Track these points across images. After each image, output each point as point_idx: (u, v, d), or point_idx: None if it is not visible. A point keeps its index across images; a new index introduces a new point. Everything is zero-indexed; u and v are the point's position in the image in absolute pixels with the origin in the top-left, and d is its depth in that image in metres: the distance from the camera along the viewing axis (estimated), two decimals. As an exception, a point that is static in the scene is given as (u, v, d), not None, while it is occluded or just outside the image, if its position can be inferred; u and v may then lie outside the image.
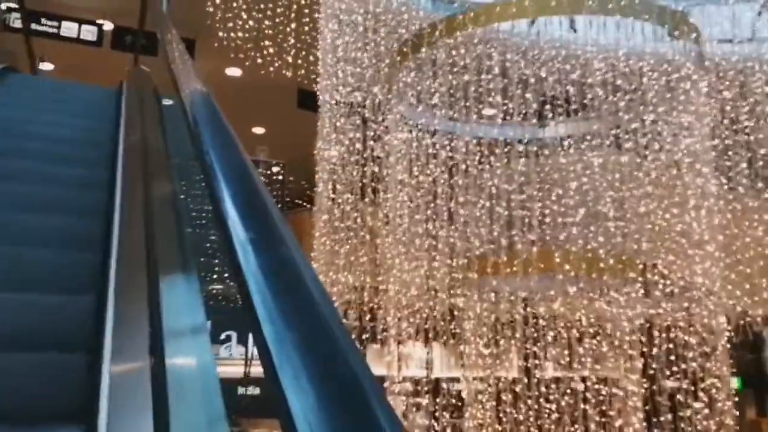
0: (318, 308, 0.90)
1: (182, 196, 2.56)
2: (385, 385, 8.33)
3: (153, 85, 4.96)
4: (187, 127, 1.98)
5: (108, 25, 11.82)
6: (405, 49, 8.17)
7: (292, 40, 10.31)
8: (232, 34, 10.39)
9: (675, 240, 8.03)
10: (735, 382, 7.83)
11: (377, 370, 9.36)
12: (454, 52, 8.04)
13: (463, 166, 8.56)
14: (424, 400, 8.74)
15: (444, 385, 9.42)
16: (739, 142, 9.04)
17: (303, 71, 10.54)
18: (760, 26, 8.98)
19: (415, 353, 10.30)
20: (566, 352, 8.86)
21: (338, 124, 8.77)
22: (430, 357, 8.84)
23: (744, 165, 9.02)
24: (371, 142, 8.93)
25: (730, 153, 9.02)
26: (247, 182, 1.32)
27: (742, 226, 9.24)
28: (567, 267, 7.77)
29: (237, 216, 1.16)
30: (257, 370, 11.24)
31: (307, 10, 10.12)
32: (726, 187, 8.95)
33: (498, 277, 8.39)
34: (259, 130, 16.20)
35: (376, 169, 8.94)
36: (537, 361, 9.12)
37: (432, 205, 8.59)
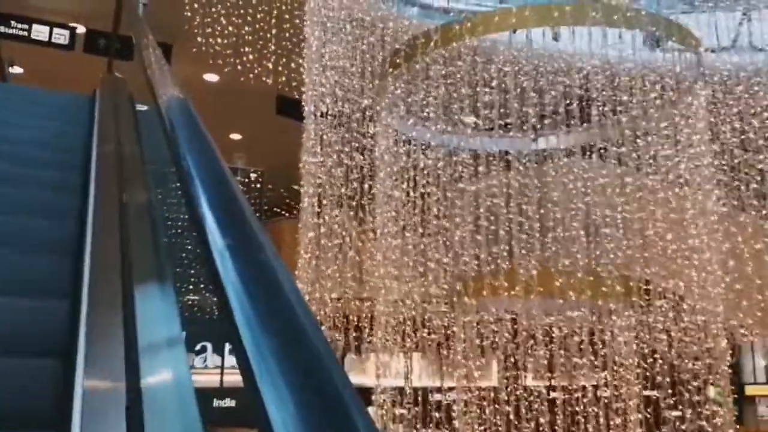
0: (297, 316, 0.91)
1: (158, 205, 2.57)
2: (372, 408, 8.28)
3: (127, 91, 4.98)
4: (164, 133, 2.00)
5: (81, 29, 11.80)
6: (397, 60, 8.14)
7: (273, 47, 10.33)
8: (210, 40, 10.41)
9: (672, 258, 8.09)
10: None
11: (358, 380, 9.31)
12: (443, 62, 8.07)
13: (450, 178, 8.60)
14: (406, 413, 8.70)
15: (433, 400, 9.37)
16: (745, 158, 9.10)
17: (283, 78, 10.56)
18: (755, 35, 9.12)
19: (400, 366, 10.27)
20: (563, 370, 8.88)
21: (324, 136, 8.73)
22: (407, 369, 8.79)
23: (747, 183, 9.08)
24: (358, 155, 8.93)
25: (726, 168, 9.09)
26: (225, 189, 1.33)
27: (748, 245, 9.27)
28: (570, 293, 7.79)
29: (214, 222, 1.18)
30: (233, 379, 11.18)
31: (287, 16, 10.16)
32: (724, 204, 9.00)
33: (493, 299, 8.40)
34: (236, 137, 16.18)
35: (364, 184, 8.93)
36: (525, 374, 9.14)
37: (419, 219, 8.60)
